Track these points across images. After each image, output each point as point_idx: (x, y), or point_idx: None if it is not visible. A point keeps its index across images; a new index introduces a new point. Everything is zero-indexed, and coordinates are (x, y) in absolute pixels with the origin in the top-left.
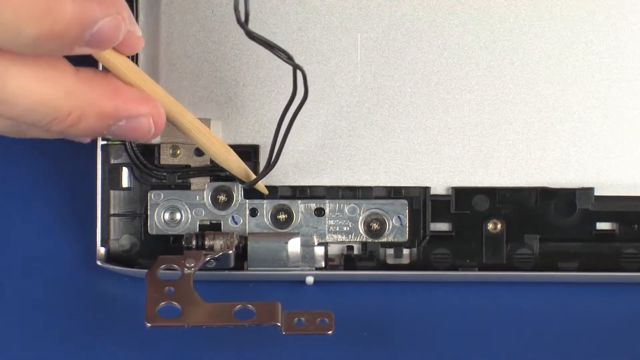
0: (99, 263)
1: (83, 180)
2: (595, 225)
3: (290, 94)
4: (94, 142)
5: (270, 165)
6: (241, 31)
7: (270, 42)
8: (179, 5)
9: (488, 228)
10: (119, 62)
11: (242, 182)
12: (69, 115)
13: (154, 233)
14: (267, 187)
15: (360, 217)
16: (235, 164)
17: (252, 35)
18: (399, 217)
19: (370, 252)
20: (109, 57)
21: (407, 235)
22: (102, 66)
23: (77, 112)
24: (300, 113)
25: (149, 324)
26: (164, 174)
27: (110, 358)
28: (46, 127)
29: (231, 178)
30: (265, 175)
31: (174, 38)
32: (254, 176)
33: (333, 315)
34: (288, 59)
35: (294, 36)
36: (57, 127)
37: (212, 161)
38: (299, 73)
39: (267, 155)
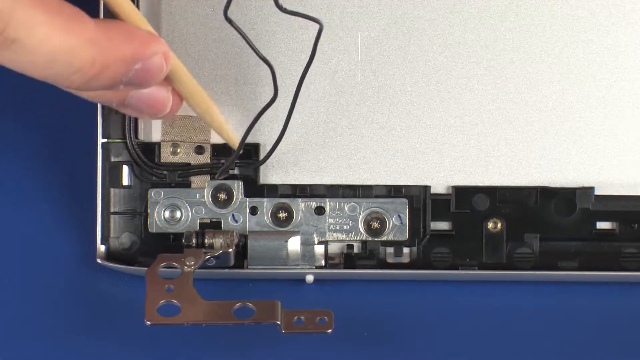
0: (99, 261)
1: (83, 178)
2: (595, 225)
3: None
4: (94, 140)
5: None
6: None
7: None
8: (180, 3)
9: (488, 227)
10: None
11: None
12: (92, 64)
13: (154, 231)
14: (267, 185)
15: (361, 216)
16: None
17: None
18: (399, 215)
19: (370, 251)
20: None
21: (407, 234)
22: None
23: (100, 60)
24: (300, 112)
25: (148, 322)
26: (164, 172)
27: (110, 356)
28: (70, 79)
29: (231, 176)
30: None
31: (174, 36)
32: (233, 135)
33: (333, 313)
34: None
35: (294, 35)
36: (81, 80)
37: (212, 159)
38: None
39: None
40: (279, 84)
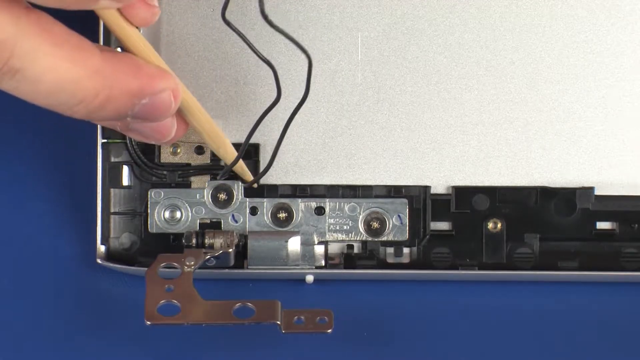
0: (99, 261)
1: (83, 178)
2: (595, 225)
3: (278, 94)
4: (94, 140)
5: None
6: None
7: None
8: (180, 3)
9: (488, 227)
10: (131, 33)
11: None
12: (96, 96)
13: (154, 231)
14: (267, 185)
15: (361, 216)
16: (229, 152)
17: (272, 24)
18: (399, 216)
19: (370, 251)
20: (124, 27)
21: (407, 234)
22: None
23: (104, 92)
24: (300, 112)
25: (148, 322)
26: (164, 172)
27: (110, 356)
28: (74, 109)
29: (231, 177)
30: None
31: (174, 37)
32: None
33: (333, 313)
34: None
35: (294, 35)
36: (84, 110)
37: (212, 159)
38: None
39: (270, 154)
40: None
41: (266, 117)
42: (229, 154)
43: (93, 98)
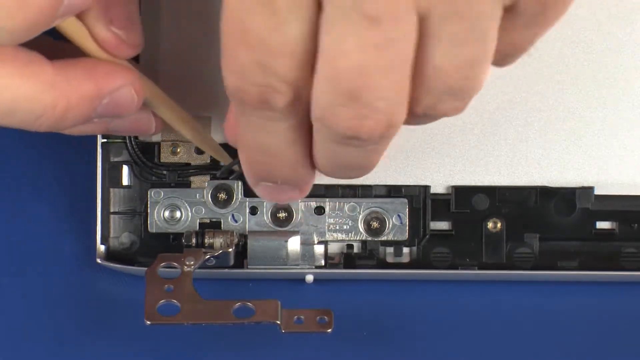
0: (98, 261)
1: (83, 178)
2: (595, 225)
3: None
4: (94, 139)
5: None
6: None
7: None
8: (179, 3)
9: (488, 227)
10: (81, 33)
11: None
12: (54, 108)
13: (154, 231)
14: None
15: (360, 216)
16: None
17: None
18: (398, 215)
19: (370, 251)
20: (73, 28)
21: (407, 233)
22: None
23: (62, 102)
24: None
25: (148, 322)
26: (164, 172)
27: (110, 356)
28: (36, 124)
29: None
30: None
31: (174, 36)
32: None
33: (332, 313)
34: None
35: None
36: (47, 123)
37: (212, 159)
38: None
39: None
40: None
41: None
42: (207, 144)
43: (52, 110)
